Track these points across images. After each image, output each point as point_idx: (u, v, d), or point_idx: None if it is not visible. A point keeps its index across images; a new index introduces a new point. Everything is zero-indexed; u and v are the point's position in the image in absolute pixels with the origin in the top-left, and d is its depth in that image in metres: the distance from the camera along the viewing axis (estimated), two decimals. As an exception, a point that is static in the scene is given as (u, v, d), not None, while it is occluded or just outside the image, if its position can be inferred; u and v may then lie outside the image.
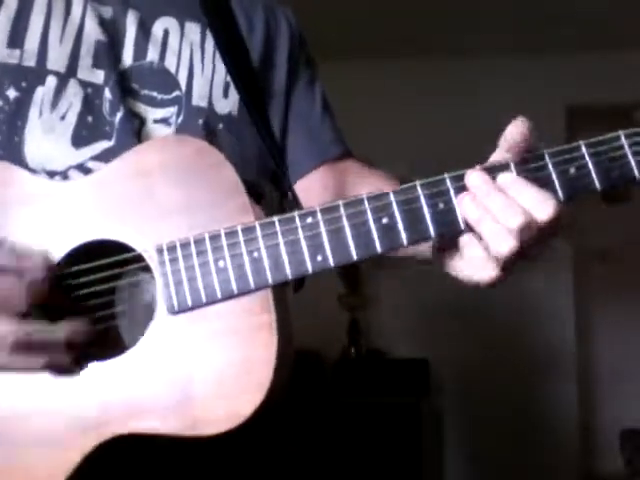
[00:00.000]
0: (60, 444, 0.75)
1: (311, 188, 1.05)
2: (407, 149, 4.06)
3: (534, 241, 0.74)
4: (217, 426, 0.75)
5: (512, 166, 0.76)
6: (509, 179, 0.75)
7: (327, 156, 1.10)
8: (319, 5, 3.02)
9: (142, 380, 0.76)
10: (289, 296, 0.84)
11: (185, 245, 0.78)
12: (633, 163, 0.77)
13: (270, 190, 1.03)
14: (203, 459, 0.85)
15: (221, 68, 1.00)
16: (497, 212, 0.73)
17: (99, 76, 0.93)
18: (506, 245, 0.73)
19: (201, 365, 0.76)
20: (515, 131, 0.77)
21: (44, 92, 0.91)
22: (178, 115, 0.96)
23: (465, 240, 0.78)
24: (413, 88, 4.15)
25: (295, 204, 0.93)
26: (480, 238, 0.75)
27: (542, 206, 0.73)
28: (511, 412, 3.99)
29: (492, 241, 0.74)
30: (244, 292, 0.76)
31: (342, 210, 0.76)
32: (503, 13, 3.66)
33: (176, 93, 0.97)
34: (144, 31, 0.97)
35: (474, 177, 0.76)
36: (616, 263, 4.37)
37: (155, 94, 0.96)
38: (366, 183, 1.07)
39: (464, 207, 0.75)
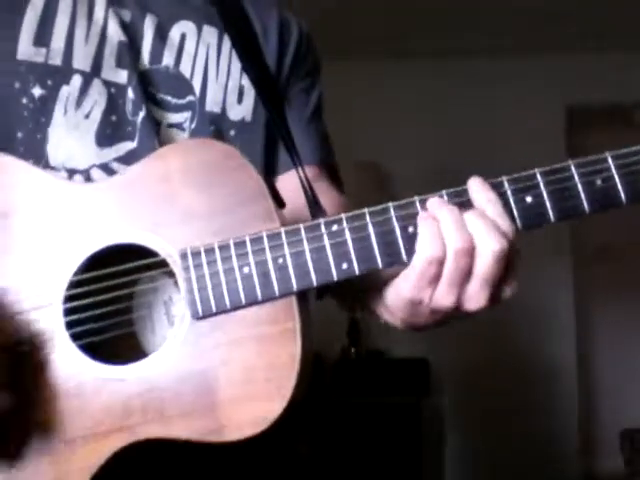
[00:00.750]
0: (81, 448, 0.76)
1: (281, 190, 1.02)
2: (407, 149, 4.07)
3: (475, 273, 0.74)
4: (241, 432, 0.75)
5: (542, 185, 0.77)
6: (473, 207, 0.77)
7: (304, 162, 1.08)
8: (319, 5, 3.02)
9: (166, 385, 0.76)
10: (311, 302, 0.83)
11: (209, 251, 0.77)
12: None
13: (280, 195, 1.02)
14: (206, 456, 0.85)
15: (236, 72, 1.01)
16: (446, 229, 0.75)
17: (122, 76, 0.94)
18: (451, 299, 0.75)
19: (225, 370, 0.76)
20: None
21: (69, 91, 0.91)
22: (192, 121, 0.96)
23: None
24: (413, 88, 4.15)
25: (316, 205, 0.92)
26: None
27: (492, 235, 0.74)
28: (511, 412, 4.00)
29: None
30: (269, 299, 0.76)
31: (368, 218, 0.76)
32: (503, 13, 3.67)
33: (190, 98, 0.97)
34: (161, 35, 0.98)
35: (434, 201, 0.77)
36: (616, 263, 4.37)
37: (170, 98, 0.97)
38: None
39: (420, 226, 0.76)
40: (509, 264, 0.75)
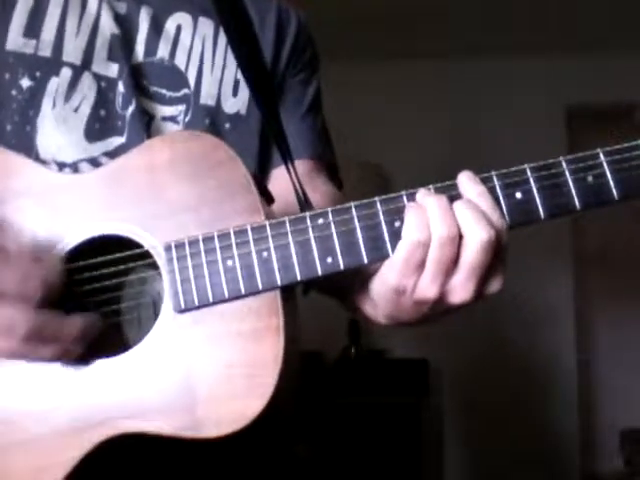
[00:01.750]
0: (61, 441, 0.75)
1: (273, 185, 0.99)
2: (407, 149, 4.06)
3: (458, 267, 0.73)
4: (220, 428, 0.74)
5: (532, 180, 0.76)
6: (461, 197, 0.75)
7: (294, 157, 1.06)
8: (319, 5, 3.02)
9: (146, 379, 0.76)
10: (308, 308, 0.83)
11: (193, 243, 0.77)
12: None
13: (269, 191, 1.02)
14: (202, 457, 0.84)
15: (232, 65, 1.00)
16: (433, 220, 0.73)
17: (113, 69, 0.93)
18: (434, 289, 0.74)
19: (206, 366, 0.75)
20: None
21: (58, 83, 0.91)
22: (186, 113, 0.96)
23: None
24: (413, 88, 4.15)
25: (305, 202, 0.92)
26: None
27: (477, 226, 0.73)
28: (511, 412, 3.99)
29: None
30: (252, 293, 0.75)
31: (354, 212, 0.75)
32: (503, 13, 3.66)
33: (184, 91, 0.96)
34: (156, 27, 0.97)
35: (422, 192, 0.76)
36: (616, 263, 4.36)
37: (164, 91, 0.96)
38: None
39: (407, 216, 0.75)
40: (497, 257, 0.73)
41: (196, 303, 0.76)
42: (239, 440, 0.74)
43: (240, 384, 0.74)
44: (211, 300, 0.76)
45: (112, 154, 0.90)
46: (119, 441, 0.75)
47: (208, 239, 0.76)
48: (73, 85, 0.91)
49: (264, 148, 1.02)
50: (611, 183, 0.74)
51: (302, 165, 1.03)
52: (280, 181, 0.97)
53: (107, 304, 0.81)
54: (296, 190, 0.93)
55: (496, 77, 4.14)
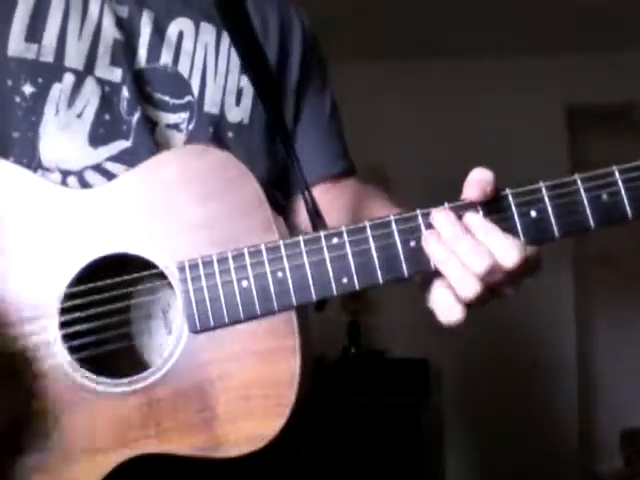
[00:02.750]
0: (81, 462, 0.75)
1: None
2: (407, 149, 4.06)
3: (503, 283, 0.74)
4: (239, 449, 0.74)
5: (546, 199, 0.74)
6: (476, 220, 0.73)
7: (332, 171, 1.09)
8: (319, 6, 3.01)
9: (164, 400, 0.76)
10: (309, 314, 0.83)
11: (207, 263, 0.76)
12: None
13: (278, 200, 1.02)
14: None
15: (234, 72, 0.99)
16: (463, 255, 0.72)
17: (117, 74, 0.92)
18: (472, 288, 0.72)
19: (222, 387, 0.75)
20: (480, 176, 0.74)
21: (61, 89, 0.89)
22: (189, 121, 0.94)
23: (434, 283, 0.76)
24: (413, 89, 4.14)
25: (315, 212, 0.91)
26: (445, 280, 0.74)
27: (508, 253, 0.72)
28: (511, 412, 3.99)
29: (457, 284, 0.73)
30: (268, 313, 0.75)
31: (369, 231, 0.75)
32: (503, 13, 3.66)
33: (188, 98, 0.95)
34: (159, 33, 0.96)
35: (440, 217, 0.74)
36: (616, 264, 4.37)
37: (167, 98, 0.94)
38: (366, 208, 1.05)
39: (430, 247, 0.74)
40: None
41: (212, 324, 0.76)
42: None
43: (258, 404, 0.74)
44: (227, 321, 0.76)
45: (117, 158, 0.89)
46: (135, 462, 0.75)
47: (222, 260, 0.76)
48: (76, 91, 0.90)
49: (274, 157, 1.01)
50: (625, 201, 0.74)
51: (346, 180, 1.09)
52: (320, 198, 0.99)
53: (118, 326, 0.81)
54: (307, 204, 0.93)
55: (496, 77, 4.13)
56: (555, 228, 0.74)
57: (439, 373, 3.90)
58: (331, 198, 1.06)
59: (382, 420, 3.46)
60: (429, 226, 0.74)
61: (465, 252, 0.72)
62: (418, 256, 0.74)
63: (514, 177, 0.77)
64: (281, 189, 1.02)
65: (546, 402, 4.07)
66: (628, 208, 0.74)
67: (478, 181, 0.73)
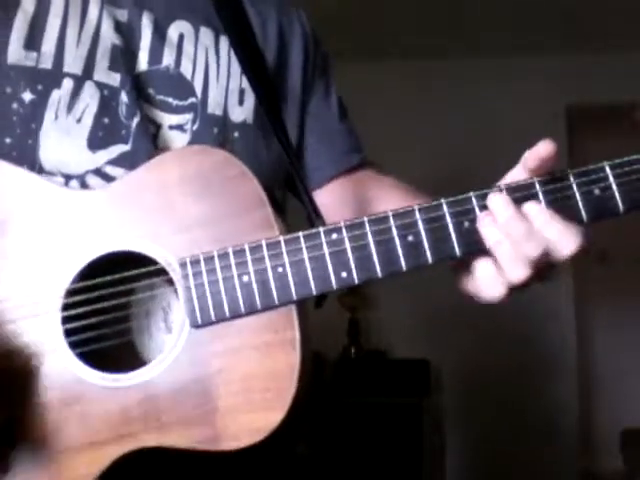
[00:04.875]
0: (80, 455, 0.75)
1: (328, 204, 1.02)
2: (407, 149, 4.06)
3: (549, 267, 0.75)
4: (239, 441, 0.75)
5: (540, 194, 0.75)
6: (536, 210, 0.75)
7: (345, 166, 1.09)
8: (319, 6, 3.01)
9: (164, 394, 0.76)
10: (309, 309, 0.83)
11: (209, 259, 0.77)
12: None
13: (283, 200, 1.02)
14: (203, 458, 0.84)
15: (236, 74, 1.00)
16: (518, 239, 0.73)
17: (115, 79, 0.92)
18: (522, 272, 0.74)
19: (223, 380, 0.76)
20: (543, 149, 0.75)
21: (60, 95, 0.89)
22: (194, 122, 0.95)
23: (478, 259, 0.77)
24: (413, 89, 4.15)
25: (314, 212, 0.92)
26: (495, 260, 0.75)
27: (567, 242, 0.74)
28: (511, 412, 4.00)
29: (507, 266, 0.74)
30: (268, 307, 0.76)
31: (367, 227, 0.76)
32: (503, 13, 3.66)
33: (191, 100, 0.96)
34: (159, 34, 0.96)
35: (497, 201, 0.75)
36: (616, 264, 4.37)
37: (170, 100, 0.95)
38: (388, 198, 1.06)
39: (484, 228, 0.75)
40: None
41: (213, 319, 0.77)
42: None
43: (258, 397, 0.75)
44: (228, 315, 0.77)
45: (116, 161, 0.89)
46: (137, 455, 0.75)
47: (223, 255, 0.77)
48: (75, 95, 0.90)
49: (280, 155, 1.02)
50: (617, 196, 0.75)
51: (361, 172, 1.10)
52: (327, 199, 1.01)
53: (119, 322, 0.81)
54: (304, 204, 0.94)
55: (496, 77, 4.14)
56: (620, 201, 0.76)
57: (439, 373, 3.90)
58: (345, 198, 1.07)
59: (383, 420, 3.47)
60: (483, 208, 0.76)
61: (521, 236, 0.73)
62: (470, 238, 0.75)
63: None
64: (289, 187, 1.03)
65: (546, 402, 4.08)
66: (620, 203, 0.76)
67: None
